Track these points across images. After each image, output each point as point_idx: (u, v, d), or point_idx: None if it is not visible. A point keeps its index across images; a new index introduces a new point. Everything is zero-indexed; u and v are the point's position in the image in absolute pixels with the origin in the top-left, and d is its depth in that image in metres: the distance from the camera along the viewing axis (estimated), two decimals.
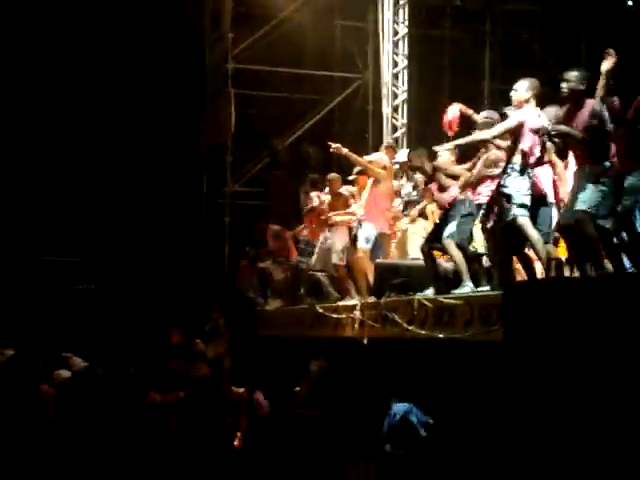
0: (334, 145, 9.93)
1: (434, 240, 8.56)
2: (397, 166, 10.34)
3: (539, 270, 7.43)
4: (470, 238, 8.30)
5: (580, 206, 6.69)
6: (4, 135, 15.27)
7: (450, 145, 8.34)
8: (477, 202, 8.19)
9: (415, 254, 9.42)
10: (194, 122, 16.12)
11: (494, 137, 7.67)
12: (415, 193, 10.06)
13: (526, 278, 7.41)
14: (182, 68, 15.99)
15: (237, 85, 15.26)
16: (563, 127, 7.11)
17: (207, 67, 16.08)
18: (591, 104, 6.83)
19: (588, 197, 6.68)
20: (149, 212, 15.70)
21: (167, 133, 15.85)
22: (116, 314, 14.34)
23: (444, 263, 8.74)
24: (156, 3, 15.64)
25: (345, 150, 9.93)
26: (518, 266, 7.83)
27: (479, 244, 8.25)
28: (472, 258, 8.26)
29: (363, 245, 9.77)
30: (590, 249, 6.65)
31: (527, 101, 7.50)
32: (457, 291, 8.03)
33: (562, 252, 7.51)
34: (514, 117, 7.48)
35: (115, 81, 15.67)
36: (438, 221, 8.80)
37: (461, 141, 8.09)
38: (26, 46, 15.25)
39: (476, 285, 8.05)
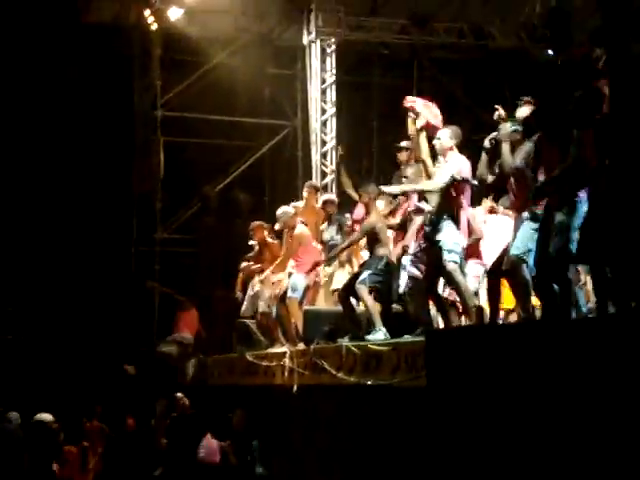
0: None
1: (350, 287, 8.63)
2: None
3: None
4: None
5: (514, 251, 6.70)
6: None
7: (398, 189, 8.35)
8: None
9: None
10: (124, 169, 16.04)
11: (436, 189, 7.64)
12: (339, 237, 10.14)
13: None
14: (112, 115, 15.92)
15: (167, 132, 15.26)
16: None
17: (136, 114, 16.06)
18: (524, 148, 6.91)
19: (521, 240, 6.66)
20: (78, 259, 15.50)
21: (97, 180, 15.72)
22: (40, 365, 14.09)
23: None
24: (86, 52, 15.60)
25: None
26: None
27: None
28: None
29: (291, 294, 9.86)
30: (521, 294, 6.68)
31: (451, 149, 7.66)
32: (370, 337, 8.12)
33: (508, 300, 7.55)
34: (446, 171, 7.57)
35: (44, 129, 15.52)
36: (357, 269, 8.91)
37: (404, 187, 8.18)
38: None
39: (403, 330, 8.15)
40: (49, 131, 15.52)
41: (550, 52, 14.14)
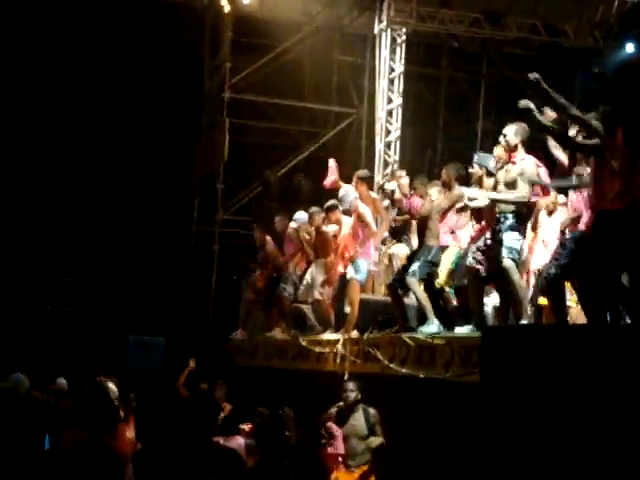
0: None
1: (401, 279, 8.60)
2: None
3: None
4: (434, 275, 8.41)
5: None
6: None
7: (485, 199, 8.02)
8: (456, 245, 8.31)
9: None
10: (189, 149, 16.20)
11: (521, 200, 7.44)
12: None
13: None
14: (180, 95, 16.09)
15: (233, 114, 15.34)
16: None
17: (204, 95, 16.19)
18: None
19: None
20: (140, 236, 15.73)
21: (161, 159, 15.92)
22: (103, 337, 14.34)
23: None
24: (157, 31, 15.77)
25: None
26: None
27: (443, 281, 8.35)
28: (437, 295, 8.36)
29: (353, 275, 9.67)
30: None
31: (516, 147, 7.51)
32: (423, 329, 8.09)
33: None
34: (528, 170, 7.40)
35: (112, 105, 15.75)
36: (406, 261, 8.86)
37: (493, 196, 7.65)
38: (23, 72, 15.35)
39: (448, 322, 8.12)
40: (116, 109, 15.73)
41: (629, 50, 13.98)
